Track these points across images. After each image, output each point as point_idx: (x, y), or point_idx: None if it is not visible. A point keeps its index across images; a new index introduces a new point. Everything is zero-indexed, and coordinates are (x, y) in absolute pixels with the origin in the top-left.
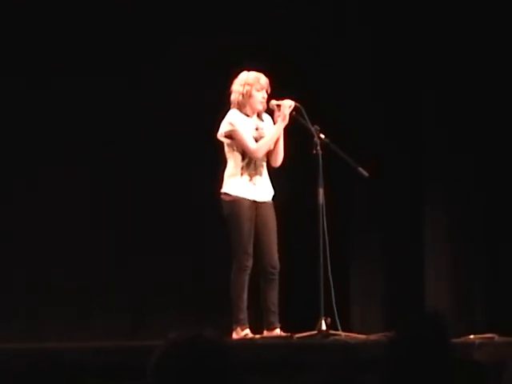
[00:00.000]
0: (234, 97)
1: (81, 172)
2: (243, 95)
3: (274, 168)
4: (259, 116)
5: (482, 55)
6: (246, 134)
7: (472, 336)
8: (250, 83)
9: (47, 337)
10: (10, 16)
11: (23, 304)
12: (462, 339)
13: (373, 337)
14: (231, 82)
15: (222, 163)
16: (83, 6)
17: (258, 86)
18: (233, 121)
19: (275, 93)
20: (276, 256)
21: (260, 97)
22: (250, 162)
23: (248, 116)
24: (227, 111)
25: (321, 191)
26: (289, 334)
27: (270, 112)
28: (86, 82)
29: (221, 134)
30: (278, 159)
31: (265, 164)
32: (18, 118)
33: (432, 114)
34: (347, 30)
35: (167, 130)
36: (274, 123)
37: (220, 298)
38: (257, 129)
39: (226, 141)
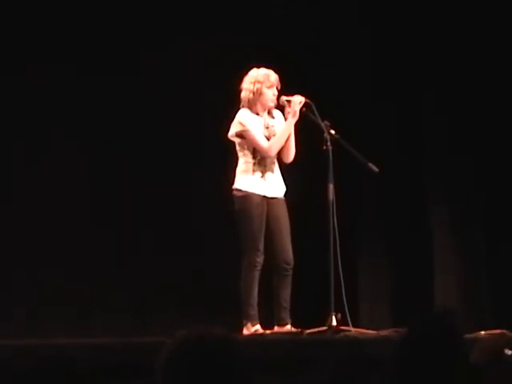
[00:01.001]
0: (244, 95)
1: (81, 172)
2: (254, 93)
3: (285, 164)
4: (270, 113)
5: (482, 55)
6: (258, 133)
7: (482, 332)
8: (260, 81)
9: (47, 337)
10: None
11: (23, 304)
12: (472, 335)
13: (383, 332)
14: (241, 80)
15: (234, 160)
16: (83, 5)
17: (268, 84)
18: (243, 121)
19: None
20: (290, 252)
21: (271, 94)
22: (261, 159)
23: (258, 114)
24: (237, 110)
25: (331, 187)
26: (299, 330)
27: (281, 108)
28: (85, 82)
29: (232, 134)
30: (290, 155)
31: (276, 161)
32: (17, 118)
33: (432, 114)
34: (347, 30)
35: (167, 130)
36: (285, 119)
37: (220, 297)
38: (267, 127)
39: (237, 140)
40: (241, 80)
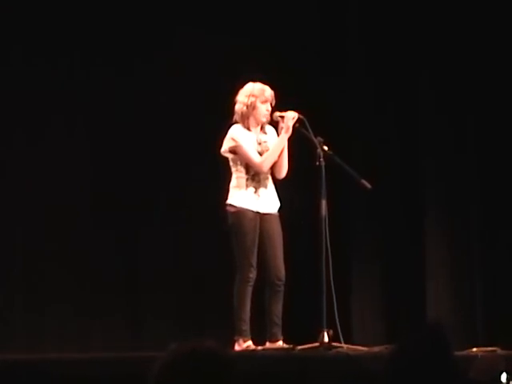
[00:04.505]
0: (238, 107)
1: (81, 174)
2: (247, 106)
3: (278, 180)
4: (262, 129)
5: (480, 55)
6: (250, 149)
7: (474, 349)
8: (255, 95)
9: (46, 337)
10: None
11: (23, 304)
12: (465, 352)
13: (375, 349)
14: (236, 93)
15: (228, 175)
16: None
17: (263, 98)
18: (235, 136)
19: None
20: (283, 268)
21: (264, 109)
22: (255, 175)
23: (250, 130)
24: (230, 126)
25: (323, 203)
26: (291, 346)
27: (275, 124)
28: (85, 83)
29: (224, 150)
30: (282, 171)
31: (270, 176)
32: (18, 118)
33: (431, 115)
34: (348, 34)
35: (167, 131)
36: (278, 135)
37: (219, 304)
38: (260, 143)
39: (230, 156)
40: (236, 93)
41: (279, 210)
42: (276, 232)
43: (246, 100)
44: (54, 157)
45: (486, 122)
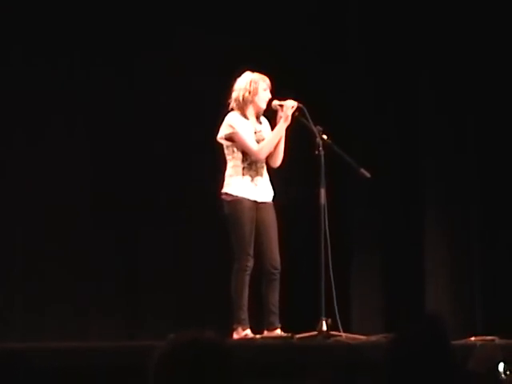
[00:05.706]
0: (238, 94)
1: (81, 174)
2: (249, 92)
3: (272, 168)
4: (258, 118)
5: (480, 55)
6: (248, 136)
7: (473, 338)
8: (257, 81)
9: (46, 337)
10: None
11: (23, 304)
12: (463, 341)
13: (373, 338)
14: (234, 82)
15: (222, 164)
16: (84, 8)
17: (264, 86)
18: (233, 123)
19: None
20: (277, 256)
21: (265, 96)
22: (251, 163)
23: (247, 118)
24: (226, 114)
25: (323, 192)
26: (289, 335)
27: (274, 112)
28: (85, 83)
29: (221, 136)
30: (278, 160)
31: (265, 165)
32: (19, 117)
33: (431, 114)
34: (348, 34)
35: (167, 131)
36: (277, 123)
37: (218, 298)
38: (255, 132)
39: (226, 143)
40: (233, 82)
41: (273, 199)
42: (271, 221)
43: (247, 86)
44: (54, 157)
45: (486, 121)
